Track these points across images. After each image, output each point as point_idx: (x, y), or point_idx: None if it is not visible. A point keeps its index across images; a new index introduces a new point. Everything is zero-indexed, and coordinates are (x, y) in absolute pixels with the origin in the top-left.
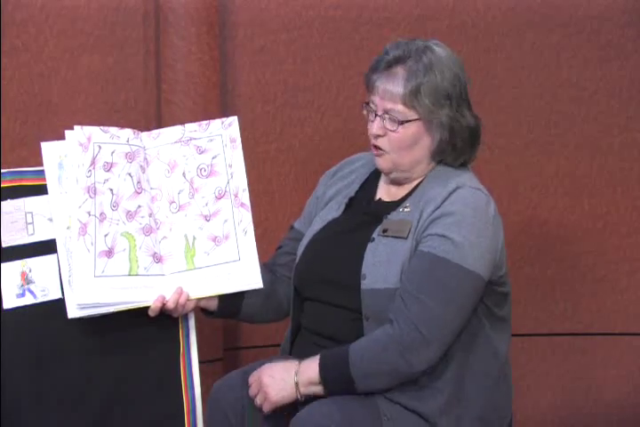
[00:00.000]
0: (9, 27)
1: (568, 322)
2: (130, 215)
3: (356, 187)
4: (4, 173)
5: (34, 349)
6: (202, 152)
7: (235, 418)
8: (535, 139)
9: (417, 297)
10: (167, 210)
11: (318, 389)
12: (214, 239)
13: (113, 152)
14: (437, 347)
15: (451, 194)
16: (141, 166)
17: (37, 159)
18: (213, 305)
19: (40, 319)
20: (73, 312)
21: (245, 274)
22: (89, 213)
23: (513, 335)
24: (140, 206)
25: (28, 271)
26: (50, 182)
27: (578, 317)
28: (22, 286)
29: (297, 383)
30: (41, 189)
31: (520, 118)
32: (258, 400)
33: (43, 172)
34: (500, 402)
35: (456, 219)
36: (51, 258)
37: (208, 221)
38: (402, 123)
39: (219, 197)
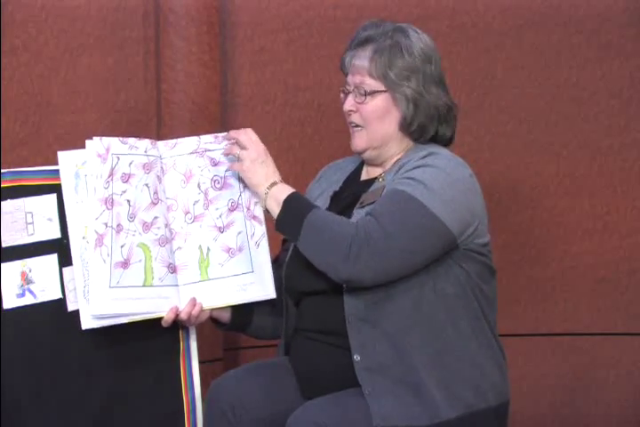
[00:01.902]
0: (9, 27)
1: (568, 322)
2: (146, 226)
3: (340, 183)
4: (4, 173)
5: (34, 349)
6: (215, 164)
7: (233, 416)
8: (535, 139)
9: (372, 214)
10: (182, 220)
11: (275, 208)
12: (228, 251)
13: (131, 163)
14: (378, 259)
15: (425, 157)
16: (158, 176)
17: (37, 159)
18: (226, 317)
19: (40, 319)
20: (87, 323)
21: (258, 285)
22: (106, 225)
23: (513, 335)
24: (156, 217)
25: (28, 271)
26: (66, 191)
27: (578, 317)
28: (22, 286)
29: (271, 186)
30: (41, 189)
31: (520, 118)
32: (239, 153)
33: (43, 172)
34: (488, 368)
35: (427, 168)
36: (51, 258)
37: (222, 232)
38: (369, 94)
39: (232, 209)
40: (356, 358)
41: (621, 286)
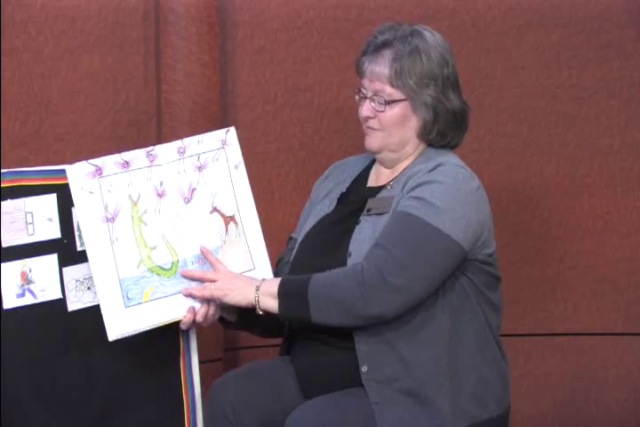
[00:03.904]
0: (9, 27)
1: (568, 322)
2: None
3: (347, 184)
4: (4, 173)
5: (34, 349)
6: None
7: (233, 417)
8: (535, 139)
9: (383, 245)
10: None
11: (273, 303)
12: None
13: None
14: (398, 294)
15: (433, 168)
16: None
17: (37, 159)
18: (232, 316)
19: (40, 319)
20: (113, 335)
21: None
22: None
23: (513, 335)
24: None
25: (28, 271)
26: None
27: (578, 317)
28: (22, 285)
29: (257, 289)
30: (41, 189)
31: (520, 118)
32: (207, 293)
33: (43, 172)
34: (492, 381)
35: (435, 185)
36: (51, 258)
37: None
38: (388, 103)
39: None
40: (364, 369)
41: (621, 285)
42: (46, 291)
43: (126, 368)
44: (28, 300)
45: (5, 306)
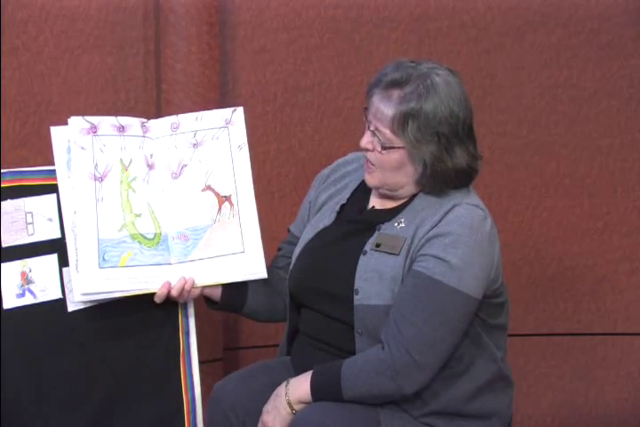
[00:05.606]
0: (9, 27)
1: (568, 322)
2: None
3: (347, 194)
4: (4, 173)
5: (34, 349)
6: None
7: (235, 419)
8: (535, 139)
9: (410, 320)
10: None
11: (307, 402)
12: None
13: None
14: (429, 369)
15: (447, 213)
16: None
17: (37, 159)
18: (217, 294)
19: (40, 319)
20: (78, 298)
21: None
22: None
23: (513, 335)
24: None
25: (28, 271)
26: (58, 167)
27: (578, 317)
28: (22, 285)
29: (289, 403)
30: (41, 189)
31: (520, 118)
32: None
33: (43, 172)
34: (497, 404)
35: (452, 239)
36: (51, 258)
37: None
38: (385, 148)
39: None
40: None
41: (621, 285)
42: (46, 291)
43: (126, 368)
44: (28, 300)
45: (5, 306)
